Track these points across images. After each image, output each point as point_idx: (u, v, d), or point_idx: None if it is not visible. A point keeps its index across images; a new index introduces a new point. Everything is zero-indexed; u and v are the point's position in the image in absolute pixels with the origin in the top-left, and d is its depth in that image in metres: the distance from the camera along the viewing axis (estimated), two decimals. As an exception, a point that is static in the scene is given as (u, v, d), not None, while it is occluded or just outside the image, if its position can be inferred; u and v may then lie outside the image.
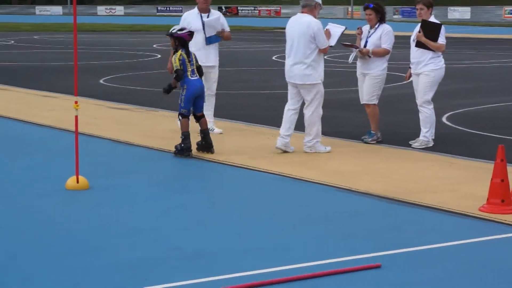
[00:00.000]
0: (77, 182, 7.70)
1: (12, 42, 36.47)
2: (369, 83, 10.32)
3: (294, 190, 7.95)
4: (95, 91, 16.19)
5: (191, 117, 9.66)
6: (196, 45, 10.63)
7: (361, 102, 10.52)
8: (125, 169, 8.88)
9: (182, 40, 9.69)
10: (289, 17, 10.24)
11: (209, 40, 10.97)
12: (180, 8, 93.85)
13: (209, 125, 10.31)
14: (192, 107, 9.63)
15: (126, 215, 6.85)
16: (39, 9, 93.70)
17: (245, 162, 9.07)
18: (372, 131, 10.42)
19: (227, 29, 11.19)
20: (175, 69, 9.55)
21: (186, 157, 9.36)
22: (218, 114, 11.38)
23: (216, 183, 8.27)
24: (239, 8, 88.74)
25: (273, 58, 26.96)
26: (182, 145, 9.41)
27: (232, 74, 19.99)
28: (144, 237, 6.19)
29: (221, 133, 10.91)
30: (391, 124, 12.02)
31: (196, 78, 9.66)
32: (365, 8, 10.37)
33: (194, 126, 9.84)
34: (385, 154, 9.74)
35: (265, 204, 7.34)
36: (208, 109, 10.79)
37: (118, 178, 8.39)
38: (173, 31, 9.71)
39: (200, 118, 9.75)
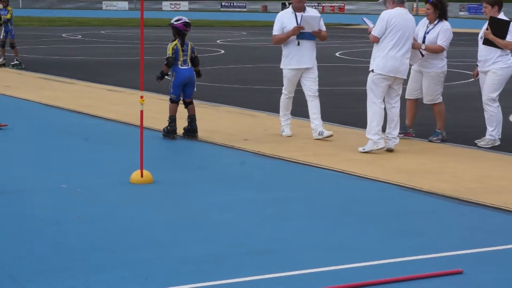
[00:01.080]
0: (142, 176, 7.79)
1: (80, 36, 37.10)
2: (429, 82, 10.17)
3: (358, 188, 7.89)
4: (159, 86, 16.31)
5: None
6: (288, 47, 10.32)
7: (424, 103, 10.38)
8: (190, 163, 8.95)
9: (177, 30, 10.30)
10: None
11: (301, 36, 10.26)
12: (244, 4, 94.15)
13: (319, 128, 10.22)
14: (182, 93, 10.40)
15: (191, 209, 6.90)
16: (105, 4, 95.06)
17: (309, 159, 9.04)
18: (437, 130, 10.28)
19: (323, 28, 10.48)
20: (167, 56, 10.22)
21: (171, 139, 10.17)
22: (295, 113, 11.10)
23: (279, 181, 8.26)
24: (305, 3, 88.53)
25: (336, 54, 26.83)
26: (168, 127, 10.27)
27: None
28: (209, 231, 6.22)
29: (331, 135, 10.24)
30: (457, 122, 11.84)
31: (186, 67, 10.31)
32: (425, 2, 10.27)
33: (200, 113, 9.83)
34: (451, 153, 9.60)
35: (330, 202, 7.30)
36: (313, 112, 10.31)
37: (183, 173, 8.46)
38: (172, 22, 10.32)
39: (188, 104, 10.45)
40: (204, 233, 6.18)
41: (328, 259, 5.52)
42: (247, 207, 7.03)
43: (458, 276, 5.21)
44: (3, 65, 20.26)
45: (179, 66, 10.28)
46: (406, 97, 10.43)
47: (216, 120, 12.03)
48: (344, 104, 14.32)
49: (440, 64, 10.17)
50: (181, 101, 10.46)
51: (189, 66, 10.35)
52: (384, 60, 9.39)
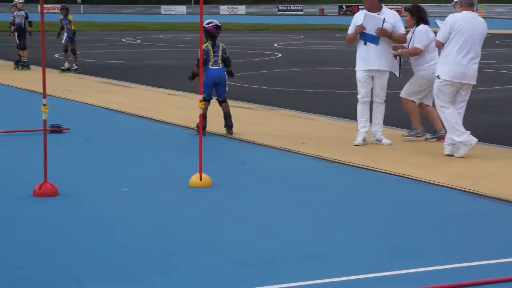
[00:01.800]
0: (200, 179, 7.86)
1: (139, 41, 37.58)
2: (410, 80, 10.47)
3: (417, 191, 7.83)
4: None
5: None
6: (358, 48, 10.16)
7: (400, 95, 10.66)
8: (248, 167, 8.99)
9: (208, 32, 10.76)
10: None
11: (363, 36, 10.03)
12: (301, 7, 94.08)
13: (377, 135, 10.18)
14: (215, 92, 10.93)
15: (248, 212, 6.94)
16: (164, 9, 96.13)
17: (366, 163, 9.01)
18: (413, 126, 10.50)
19: (400, 31, 10.07)
20: (198, 58, 10.56)
21: (202, 135, 10.34)
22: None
23: (335, 184, 8.25)
24: (359, 7, 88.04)
25: None
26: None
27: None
28: (266, 234, 6.25)
29: (389, 144, 10.09)
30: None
31: (217, 67, 10.78)
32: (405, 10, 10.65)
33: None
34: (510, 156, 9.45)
35: (388, 205, 7.27)
36: (376, 117, 10.19)
37: (240, 175, 8.51)
38: (204, 25, 10.60)
39: (222, 102, 10.94)
40: (261, 236, 6.21)
41: (385, 263, 5.50)
42: (304, 209, 7.04)
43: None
44: (68, 69, 20.71)
45: (210, 66, 10.77)
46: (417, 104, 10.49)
47: (273, 123, 12.06)
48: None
49: (422, 67, 10.31)
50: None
51: (220, 67, 10.82)
52: (449, 66, 9.25)
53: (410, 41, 10.32)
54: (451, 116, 9.31)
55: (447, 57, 9.28)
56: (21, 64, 21.58)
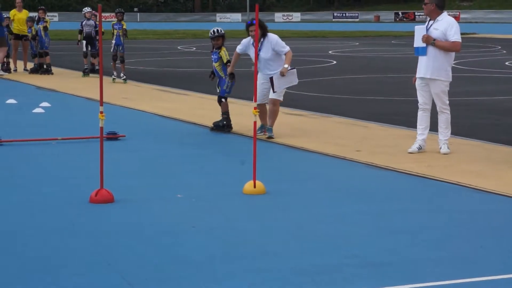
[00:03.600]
0: (254, 186, 7.86)
1: (194, 48, 37.87)
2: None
3: (474, 200, 7.71)
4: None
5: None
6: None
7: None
8: (301, 175, 8.96)
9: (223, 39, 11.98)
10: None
11: (416, 53, 10.06)
12: (356, 14, 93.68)
13: (440, 143, 9.92)
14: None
15: (303, 220, 6.91)
16: (219, 17, 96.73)
17: (423, 171, 8.90)
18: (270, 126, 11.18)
19: (449, 38, 9.76)
20: (228, 58, 11.86)
21: (226, 133, 11.61)
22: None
23: (391, 192, 8.16)
24: (416, 13, 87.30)
25: (506, 63, 26.41)
26: (225, 122, 11.75)
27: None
28: (321, 242, 6.21)
29: (447, 153, 9.83)
30: None
31: None
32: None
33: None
34: None
35: (445, 214, 7.15)
36: (439, 126, 9.97)
37: (294, 183, 8.48)
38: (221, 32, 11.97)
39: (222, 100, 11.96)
40: (317, 244, 6.17)
41: (444, 273, 5.41)
42: (359, 218, 6.98)
43: None
44: (116, 78, 20.25)
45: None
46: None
47: (327, 131, 12.01)
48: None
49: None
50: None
51: None
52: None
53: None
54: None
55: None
56: (88, 71, 21.87)
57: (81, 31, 22.04)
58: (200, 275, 5.40)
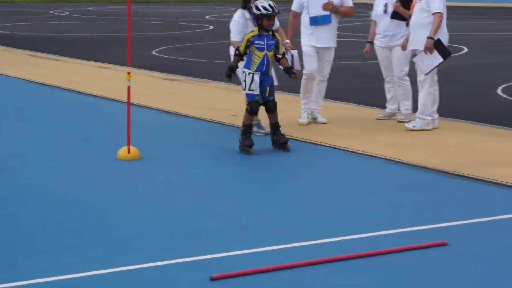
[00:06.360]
0: (128, 152, 7.74)
1: (67, 13, 36.80)
2: None
3: (350, 162, 7.89)
4: (147, 62, 16.24)
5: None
6: (304, 26, 9.51)
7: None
8: (176, 139, 8.90)
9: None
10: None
11: (313, 22, 9.39)
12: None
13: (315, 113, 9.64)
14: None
15: (178, 185, 6.88)
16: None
17: (308, 136, 9.00)
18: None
19: (347, 4, 9.55)
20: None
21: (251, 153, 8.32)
22: None
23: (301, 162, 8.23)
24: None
25: None
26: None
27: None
28: (197, 207, 6.20)
29: (325, 123, 9.61)
30: (448, 96, 11.80)
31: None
32: None
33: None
34: (441, 126, 9.56)
35: (331, 179, 7.28)
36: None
37: (169, 149, 8.41)
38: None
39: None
40: (193, 208, 6.15)
41: (318, 233, 5.50)
42: (236, 184, 6.98)
43: (443, 248, 5.22)
44: None
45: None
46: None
47: (203, 96, 11.97)
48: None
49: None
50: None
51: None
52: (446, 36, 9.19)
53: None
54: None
55: (443, 27, 9.22)
56: None
57: None
58: (81, 243, 5.27)
